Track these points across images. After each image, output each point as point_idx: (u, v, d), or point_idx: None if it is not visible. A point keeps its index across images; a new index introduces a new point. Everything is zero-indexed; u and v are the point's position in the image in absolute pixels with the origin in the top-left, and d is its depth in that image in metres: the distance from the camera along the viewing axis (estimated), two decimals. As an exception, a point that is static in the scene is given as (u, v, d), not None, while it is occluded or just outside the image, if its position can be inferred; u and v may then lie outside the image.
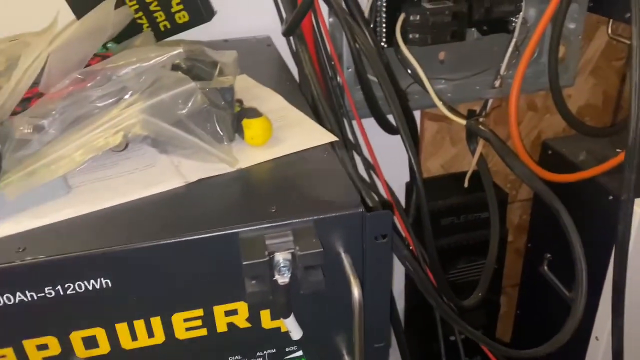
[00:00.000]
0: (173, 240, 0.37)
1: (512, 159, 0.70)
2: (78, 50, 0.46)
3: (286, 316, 0.40)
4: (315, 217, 0.39)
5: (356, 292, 0.39)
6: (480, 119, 0.76)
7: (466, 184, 0.85)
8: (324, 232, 0.39)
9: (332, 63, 0.71)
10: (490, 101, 0.82)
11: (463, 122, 0.73)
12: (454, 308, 0.74)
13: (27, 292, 0.36)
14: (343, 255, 0.40)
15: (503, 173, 0.95)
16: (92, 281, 0.37)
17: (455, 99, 0.82)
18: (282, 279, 0.38)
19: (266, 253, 0.37)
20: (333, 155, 0.46)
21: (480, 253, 0.88)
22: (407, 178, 0.88)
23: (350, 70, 0.74)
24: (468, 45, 0.82)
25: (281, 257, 0.38)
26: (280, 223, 0.39)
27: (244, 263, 0.37)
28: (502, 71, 0.79)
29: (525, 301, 1.04)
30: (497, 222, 0.82)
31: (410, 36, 0.74)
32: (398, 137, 0.62)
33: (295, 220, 0.39)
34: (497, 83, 0.79)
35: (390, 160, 0.76)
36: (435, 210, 0.85)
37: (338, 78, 0.73)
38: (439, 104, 0.72)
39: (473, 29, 0.81)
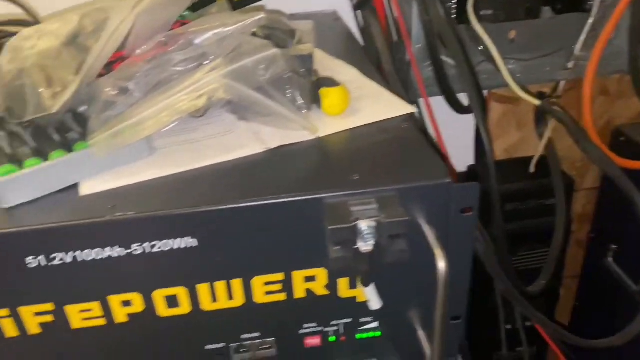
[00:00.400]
0: (259, 203, 0.37)
1: (587, 142, 0.67)
2: (162, 15, 0.46)
3: (366, 284, 0.40)
4: (401, 187, 0.38)
5: (441, 264, 0.37)
6: (553, 100, 0.73)
7: (532, 169, 0.83)
8: (408, 202, 0.38)
9: (401, 37, 0.69)
10: (562, 83, 0.79)
11: (536, 102, 0.70)
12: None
13: (115, 247, 0.37)
14: (427, 226, 0.39)
15: (570, 160, 0.92)
16: (178, 240, 0.37)
17: (525, 80, 0.79)
18: (365, 246, 0.37)
19: (351, 219, 0.37)
20: (413, 126, 0.45)
21: (543, 241, 0.85)
22: (465, 162, 0.86)
23: (419, 46, 0.72)
24: (541, 24, 0.78)
25: (365, 225, 0.37)
26: (365, 191, 0.38)
27: (329, 228, 0.36)
28: (576, 52, 0.76)
29: (585, 293, 1.00)
30: (564, 208, 0.79)
31: (483, 12, 0.71)
32: (459, 120, 0.61)
33: (379, 189, 0.38)
34: (570, 64, 0.76)
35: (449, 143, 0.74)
36: (499, 194, 0.83)
37: (406, 54, 0.71)
38: (510, 82, 0.70)
39: (547, 7, 0.78)
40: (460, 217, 0.39)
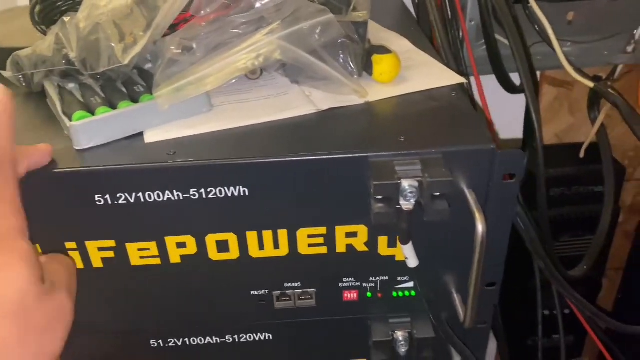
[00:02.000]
0: (308, 158, 0.39)
1: (642, 128, 0.66)
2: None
3: (405, 242, 0.41)
4: (445, 150, 0.39)
5: (480, 227, 0.39)
6: (609, 84, 0.71)
7: (582, 155, 0.81)
8: (452, 166, 0.39)
9: (455, 14, 0.69)
10: (619, 67, 0.78)
11: (590, 84, 0.69)
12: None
13: (174, 191, 0.40)
14: (468, 190, 0.40)
15: (622, 149, 0.90)
16: (231, 188, 0.40)
17: (580, 63, 0.77)
18: (407, 205, 0.39)
19: (395, 177, 0.38)
20: (462, 95, 0.46)
21: (588, 228, 0.84)
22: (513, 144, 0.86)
23: (473, 23, 0.72)
24: (600, 6, 0.77)
25: (408, 184, 0.39)
26: (410, 152, 0.40)
27: (374, 183, 0.38)
28: (637, 36, 0.74)
29: (629, 285, 0.98)
30: (612, 196, 0.78)
31: (541, -8, 0.70)
32: (507, 101, 0.60)
33: (424, 151, 0.40)
34: (629, 48, 0.75)
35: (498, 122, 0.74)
36: (546, 178, 0.82)
37: (460, 32, 0.71)
38: (565, 63, 0.69)
39: (609, -12, 0.76)
40: (502, 183, 0.40)
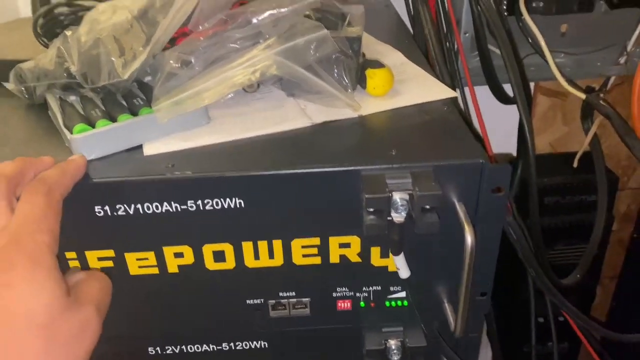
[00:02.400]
0: (302, 171, 0.40)
1: (634, 140, 0.67)
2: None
3: (397, 253, 0.42)
4: (435, 163, 0.41)
5: (469, 239, 0.40)
6: (601, 95, 0.73)
7: (575, 164, 0.83)
8: (442, 179, 0.41)
9: (450, 26, 0.71)
10: (611, 79, 0.79)
11: (582, 95, 0.71)
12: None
13: (172, 203, 0.41)
14: (457, 203, 0.41)
15: (615, 158, 0.91)
16: (228, 200, 0.41)
17: (573, 74, 0.79)
18: (398, 217, 0.40)
19: (386, 190, 0.39)
20: (453, 108, 0.47)
21: (582, 237, 0.85)
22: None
23: (467, 35, 0.73)
24: (593, 18, 0.78)
25: (399, 197, 0.40)
26: (401, 165, 0.41)
27: (366, 196, 0.39)
28: (629, 48, 0.75)
29: (623, 294, 0.99)
30: (605, 205, 0.79)
31: (534, 4, 0.72)
32: (504, 110, 0.62)
33: (414, 164, 0.41)
34: (622, 60, 0.76)
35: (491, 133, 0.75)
36: (540, 187, 0.83)
37: (454, 44, 0.73)
38: (558, 75, 0.70)
39: (601, 1, 0.77)
40: (490, 196, 0.42)
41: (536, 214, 0.67)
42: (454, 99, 0.49)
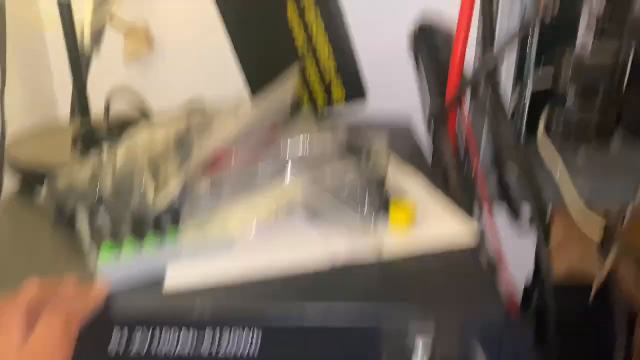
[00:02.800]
0: (322, 326, 0.41)
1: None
2: (260, 127, 0.52)
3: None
4: (457, 319, 0.40)
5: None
6: (618, 226, 0.73)
7: (591, 300, 0.81)
8: (464, 332, 0.40)
9: (469, 156, 0.73)
10: (629, 207, 0.79)
11: (597, 230, 0.71)
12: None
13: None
14: (479, 353, 0.41)
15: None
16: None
17: (593, 198, 0.79)
18: (419, 371, 0.39)
19: (407, 345, 0.39)
20: (476, 256, 0.48)
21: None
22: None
23: (486, 163, 0.75)
24: (610, 154, 0.79)
25: (420, 345, 0.39)
26: (421, 320, 0.40)
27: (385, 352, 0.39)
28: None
29: None
30: (624, 339, 0.77)
31: (553, 129, 0.74)
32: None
33: (436, 318, 0.40)
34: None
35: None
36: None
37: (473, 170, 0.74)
38: (572, 209, 0.71)
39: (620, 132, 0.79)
40: (511, 355, 0.41)
41: (555, 345, 0.65)
42: (477, 245, 0.49)
